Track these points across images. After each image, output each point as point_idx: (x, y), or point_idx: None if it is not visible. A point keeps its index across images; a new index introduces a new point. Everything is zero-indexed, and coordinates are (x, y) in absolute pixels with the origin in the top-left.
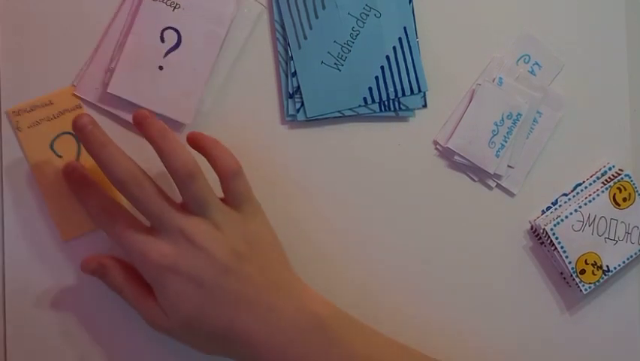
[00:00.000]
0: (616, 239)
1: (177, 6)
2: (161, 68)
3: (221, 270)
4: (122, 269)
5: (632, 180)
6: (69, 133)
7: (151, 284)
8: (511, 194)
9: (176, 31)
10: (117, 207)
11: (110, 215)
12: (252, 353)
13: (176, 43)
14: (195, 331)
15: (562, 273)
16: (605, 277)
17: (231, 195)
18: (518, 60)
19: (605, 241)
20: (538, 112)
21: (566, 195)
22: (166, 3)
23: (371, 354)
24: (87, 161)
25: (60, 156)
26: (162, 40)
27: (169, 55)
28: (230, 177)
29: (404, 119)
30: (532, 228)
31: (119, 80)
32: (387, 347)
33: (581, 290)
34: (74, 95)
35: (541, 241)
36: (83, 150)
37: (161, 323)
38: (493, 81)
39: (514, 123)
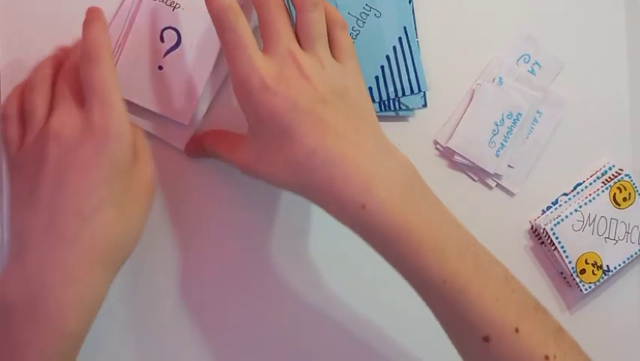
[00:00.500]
0: (616, 239)
1: (177, 6)
2: (160, 67)
3: (318, 99)
4: (213, 136)
5: (632, 180)
6: None
7: (243, 105)
8: (511, 194)
9: (176, 31)
10: (241, 15)
11: (230, 21)
12: (330, 185)
13: (176, 43)
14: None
15: (562, 273)
16: (605, 277)
17: (337, 46)
18: (518, 60)
19: (605, 241)
20: (538, 112)
21: (566, 194)
22: (166, 3)
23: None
24: None
25: None
26: (162, 40)
27: (168, 55)
28: (338, 26)
29: (404, 118)
30: (532, 227)
31: (118, 79)
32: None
33: (581, 290)
34: None
35: (541, 240)
36: None
37: (247, 157)
38: (493, 81)
39: (514, 123)
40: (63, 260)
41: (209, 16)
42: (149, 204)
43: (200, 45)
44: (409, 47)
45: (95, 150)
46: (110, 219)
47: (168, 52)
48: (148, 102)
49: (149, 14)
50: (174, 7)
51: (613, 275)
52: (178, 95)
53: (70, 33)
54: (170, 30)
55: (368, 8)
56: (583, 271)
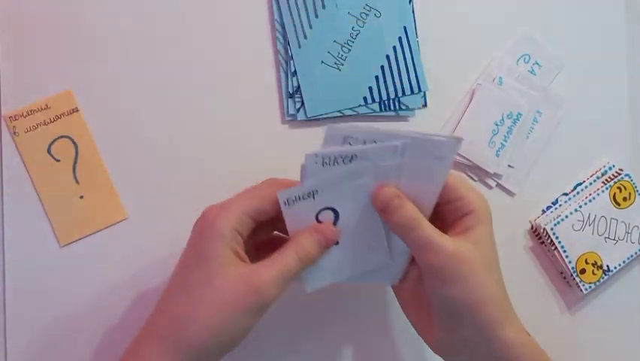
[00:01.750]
0: (616, 239)
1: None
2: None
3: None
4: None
5: (632, 180)
6: (66, 137)
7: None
8: (511, 193)
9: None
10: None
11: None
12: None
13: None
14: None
15: (562, 272)
16: (605, 277)
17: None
18: (518, 60)
19: (605, 241)
20: (538, 112)
21: (566, 194)
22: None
23: None
24: (85, 165)
25: (57, 160)
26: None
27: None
28: None
29: (404, 118)
30: (532, 227)
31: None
32: None
33: (581, 290)
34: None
35: (541, 240)
36: (80, 155)
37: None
38: (493, 81)
39: (515, 123)
40: None
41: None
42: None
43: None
44: (409, 46)
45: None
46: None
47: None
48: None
49: None
50: None
51: (613, 275)
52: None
53: (70, 33)
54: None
55: (368, 8)
56: (583, 271)
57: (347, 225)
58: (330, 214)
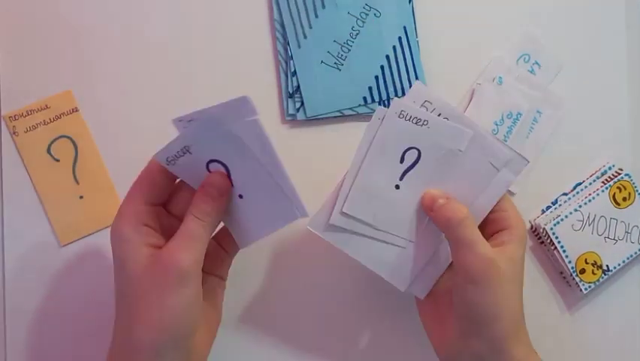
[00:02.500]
0: (616, 239)
1: (424, 123)
2: (397, 187)
3: None
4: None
5: (631, 180)
6: (66, 137)
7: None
8: (511, 193)
9: (418, 150)
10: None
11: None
12: None
13: (414, 162)
14: None
15: (562, 272)
16: (605, 277)
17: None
18: (518, 60)
19: (605, 241)
20: (538, 112)
21: (565, 194)
22: (412, 121)
23: None
24: (85, 165)
25: (57, 160)
26: (402, 160)
27: (406, 175)
28: None
29: None
30: (532, 227)
31: (353, 201)
32: None
33: (581, 290)
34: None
35: (541, 240)
36: (80, 154)
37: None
38: (493, 81)
39: (514, 123)
40: None
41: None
42: None
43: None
44: (409, 46)
45: None
46: None
47: (406, 172)
48: (382, 224)
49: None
50: (421, 124)
51: (613, 275)
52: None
53: (70, 33)
54: (412, 150)
55: (368, 8)
56: (583, 271)
57: (240, 175)
58: (219, 167)
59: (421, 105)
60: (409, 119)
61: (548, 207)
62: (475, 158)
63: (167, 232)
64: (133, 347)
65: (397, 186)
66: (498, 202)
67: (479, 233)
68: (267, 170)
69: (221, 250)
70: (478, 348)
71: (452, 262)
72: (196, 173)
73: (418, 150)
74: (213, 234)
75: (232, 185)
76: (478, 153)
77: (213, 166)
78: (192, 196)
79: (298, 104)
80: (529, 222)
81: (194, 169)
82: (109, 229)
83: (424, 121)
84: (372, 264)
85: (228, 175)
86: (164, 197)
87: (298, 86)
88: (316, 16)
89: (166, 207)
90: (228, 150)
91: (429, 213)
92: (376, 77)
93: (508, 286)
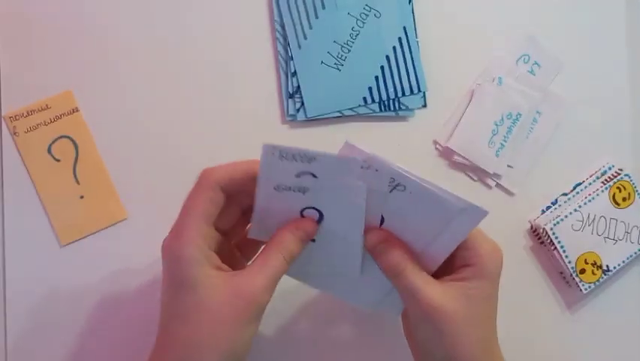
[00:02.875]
0: (616, 239)
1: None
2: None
3: None
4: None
5: (631, 180)
6: (66, 137)
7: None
8: (510, 193)
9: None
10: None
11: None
12: None
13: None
14: None
15: (562, 272)
16: (605, 277)
17: None
18: (518, 60)
19: (605, 241)
20: (537, 112)
21: (565, 194)
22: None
23: None
24: (85, 165)
25: (58, 160)
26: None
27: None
28: None
29: (404, 118)
30: (532, 227)
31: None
32: None
33: (580, 290)
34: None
35: (541, 240)
36: (80, 155)
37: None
38: (493, 81)
39: (514, 123)
40: None
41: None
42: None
43: None
44: (409, 47)
45: None
46: None
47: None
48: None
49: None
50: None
51: (613, 275)
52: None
53: (70, 33)
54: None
55: (368, 8)
56: (583, 271)
57: (327, 227)
58: (315, 214)
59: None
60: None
61: (548, 207)
62: (424, 209)
63: (220, 250)
64: None
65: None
66: (467, 238)
67: (424, 276)
68: (353, 228)
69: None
70: None
71: None
72: (288, 210)
73: (319, 211)
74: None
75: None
76: (427, 207)
77: (308, 211)
78: (240, 216)
79: (298, 105)
80: (529, 222)
81: (290, 206)
82: (109, 229)
83: (392, 180)
84: (333, 290)
85: (319, 221)
86: (216, 217)
87: (298, 87)
88: (316, 16)
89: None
90: (331, 202)
91: (371, 255)
92: (376, 78)
93: (460, 328)
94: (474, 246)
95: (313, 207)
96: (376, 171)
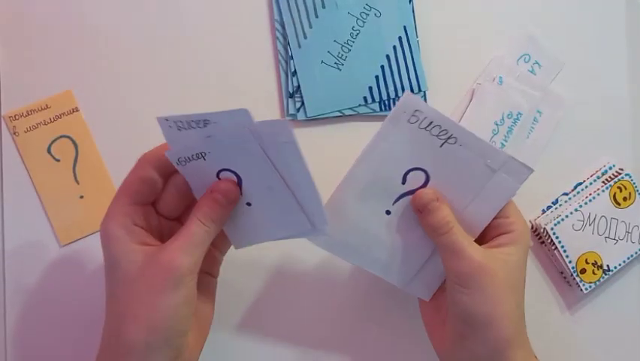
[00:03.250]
0: (616, 238)
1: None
2: (388, 212)
3: None
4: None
5: (632, 180)
6: (66, 137)
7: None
8: None
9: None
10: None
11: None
12: None
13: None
14: None
15: (562, 272)
16: (606, 277)
17: None
18: (518, 59)
19: (606, 241)
20: (538, 111)
21: (566, 194)
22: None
23: None
24: (85, 165)
25: (57, 160)
26: (404, 181)
27: (402, 198)
28: None
29: None
30: (532, 227)
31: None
32: None
33: (581, 290)
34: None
35: (541, 240)
36: (80, 154)
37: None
38: (494, 80)
39: (515, 123)
40: None
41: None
42: None
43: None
44: (409, 46)
45: None
46: None
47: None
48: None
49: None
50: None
51: (613, 275)
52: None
53: (70, 33)
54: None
55: (368, 8)
56: (583, 271)
57: (253, 185)
58: (230, 175)
59: (412, 115)
60: (425, 127)
61: (549, 207)
62: (470, 161)
63: (156, 231)
64: (123, 346)
65: (388, 212)
66: (503, 209)
67: (468, 237)
68: (288, 184)
69: (214, 248)
70: (475, 350)
71: None
72: (204, 178)
73: (426, 173)
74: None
75: (241, 194)
76: (475, 156)
77: (224, 174)
78: (180, 197)
79: (298, 104)
80: (530, 222)
81: (204, 174)
82: None
83: (444, 132)
84: (366, 264)
85: (239, 184)
86: (153, 197)
87: (298, 86)
88: (316, 16)
89: (154, 206)
90: (245, 162)
91: (417, 215)
92: (377, 77)
93: (501, 289)
94: (507, 215)
95: (227, 170)
96: (431, 123)
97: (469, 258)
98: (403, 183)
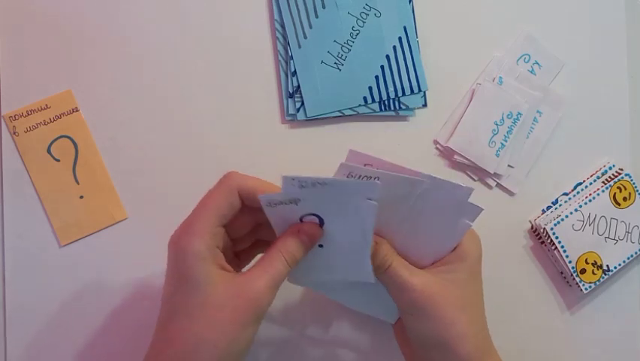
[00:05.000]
0: (616, 238)
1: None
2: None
3: None
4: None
5: (632, 180)
6: (66, 137)
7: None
8: (511, 193)
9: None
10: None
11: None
12: None
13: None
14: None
15: (562, 272)
16: (606, 277)
17: None
18: (518, 60)
19: (606, 241)
20: (538, 111)
21: (566, 194)
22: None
23: None
24: (85, 165)
25: (57, 160)
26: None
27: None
28: None
29: (404, 118)
30: (532, 227)
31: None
32: None
33: (581, 290)
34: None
35: (541, 240)
36: (80, 155)
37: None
38: (494, 81)
39: (515, 123)
40: None
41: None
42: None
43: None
44: (409, 46)
45: None
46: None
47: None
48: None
49: None
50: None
51: (613, 275)
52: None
53: (70, 33)
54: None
55: (368, 8)
56: (583, 271)
57: (332, 232)
58: (314, 219)
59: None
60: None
61: (549, 207)
62: (433, 210)
63: (224, 252)
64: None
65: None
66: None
67: (407, 268)
68: (360, 238)
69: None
70: None
71: None
72: (288, 219)
73: (318, 216)
74: None
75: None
76: (437, 198)
77: (308, 218)
78: (253, 226)
79: (298, 104)
80: (530, 222)
81: (289, 216)
82: (109, 229)
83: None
84: (356, 305)
85: (320, 225)
86: (230, 219)
87: (298, 86)
88: (316, 16)
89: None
90: (332, 211)
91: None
92: (376, 77)
93: (449, 311)
94: None
95: (312, 214)
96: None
97: (411, 289)
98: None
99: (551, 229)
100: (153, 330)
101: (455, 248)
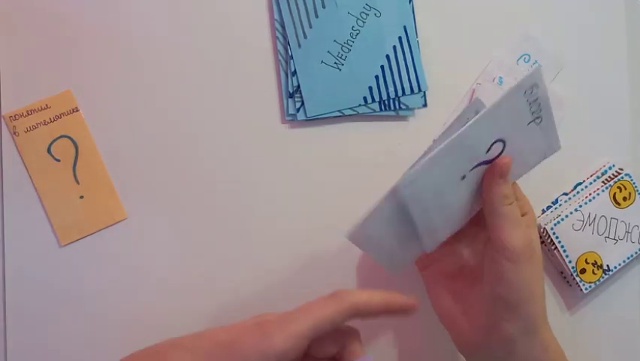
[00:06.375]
0: (616, 238)
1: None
2: (463, 177)
3: None
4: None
5: (632, 180)
6: (66, 137)
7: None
8: None
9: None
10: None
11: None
12: None
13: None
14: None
15: (562, 272)
16: (606, 277)
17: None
18: (518, 60)
19: (606, 241)
20: None
21: (566, 194)
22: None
23: None
24: (85, 165)
25: (57, 160)
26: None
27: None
28: None
29: (404, 118)
30: None
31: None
32: None
33: (581, 289)
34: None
35: (541, 240)
36: (80, 154)
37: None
38: (493, 81)
39: None
40: None
41: None
42: None
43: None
44: (409, 46)
45: None
46: None
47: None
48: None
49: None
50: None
51: (613, 275)
52: None
53: (70, 33)
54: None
55: (368, 8)
56: (583, 271)
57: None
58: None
59: (529, 88)
60: (529, 102)
61: (549, 207)
62: (537, 143)
63: None
64: None
65: (464, 177)
66: (515, 189)
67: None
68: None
69: None
70: (510, 331)
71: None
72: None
73: (504, 145)
74: None
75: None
76: (543, 141)
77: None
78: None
79: (298, 104)
80: None
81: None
82: (109, 229)
83: (537, 111)
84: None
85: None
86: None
87: (298, 86)
88: (316, 15)
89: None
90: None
91: (491, 181)
92: (376, 77)
93: (539, 266)
94: (520, 197)
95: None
96: (536, 100)
97: (524, 232)
98: (487, 151)
99: (551, 228)
100: (153, 329)
101: (528, 212)
